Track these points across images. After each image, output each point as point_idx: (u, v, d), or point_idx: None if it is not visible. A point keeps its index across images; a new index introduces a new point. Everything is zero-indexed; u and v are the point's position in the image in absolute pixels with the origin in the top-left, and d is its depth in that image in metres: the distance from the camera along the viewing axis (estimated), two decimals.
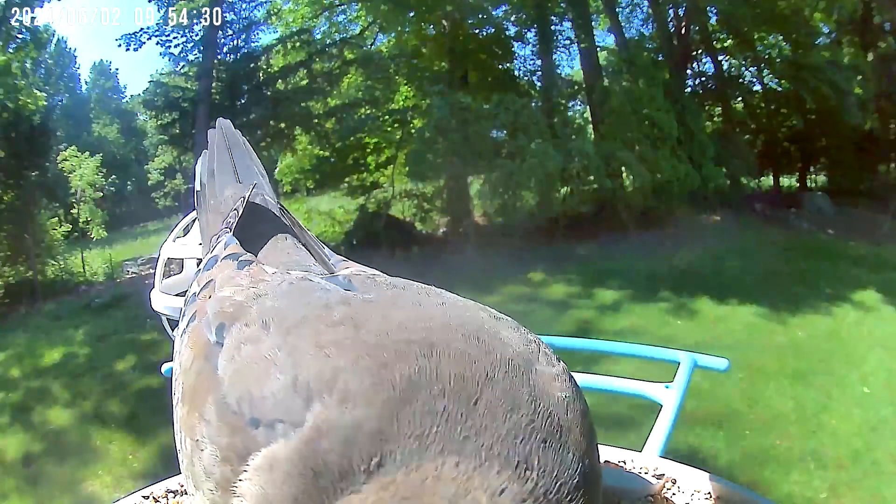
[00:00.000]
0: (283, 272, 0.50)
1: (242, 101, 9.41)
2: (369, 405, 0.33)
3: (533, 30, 9.89)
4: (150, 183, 11.24)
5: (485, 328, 0.40)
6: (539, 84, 10.01)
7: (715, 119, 10.85)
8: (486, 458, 0.32)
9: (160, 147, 11.13)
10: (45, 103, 8.46)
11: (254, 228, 0.61)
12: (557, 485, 0.33)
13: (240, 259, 0.53)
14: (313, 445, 0.33)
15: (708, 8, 9.80)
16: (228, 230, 0.58)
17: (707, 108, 10.77)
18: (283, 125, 9.62)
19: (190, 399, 0.42)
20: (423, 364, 0.35)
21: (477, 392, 0.34)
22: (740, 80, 10.88)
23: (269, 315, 0.41)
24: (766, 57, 10.28)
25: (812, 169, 11.12)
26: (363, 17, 9.70)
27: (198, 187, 0.70)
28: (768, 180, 11.00)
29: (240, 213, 0.59)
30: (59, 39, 9.83)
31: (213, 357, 0.42)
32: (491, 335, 0.39)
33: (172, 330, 0.84)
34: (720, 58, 10.58)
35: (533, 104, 9.20)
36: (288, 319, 0.41)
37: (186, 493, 0.60)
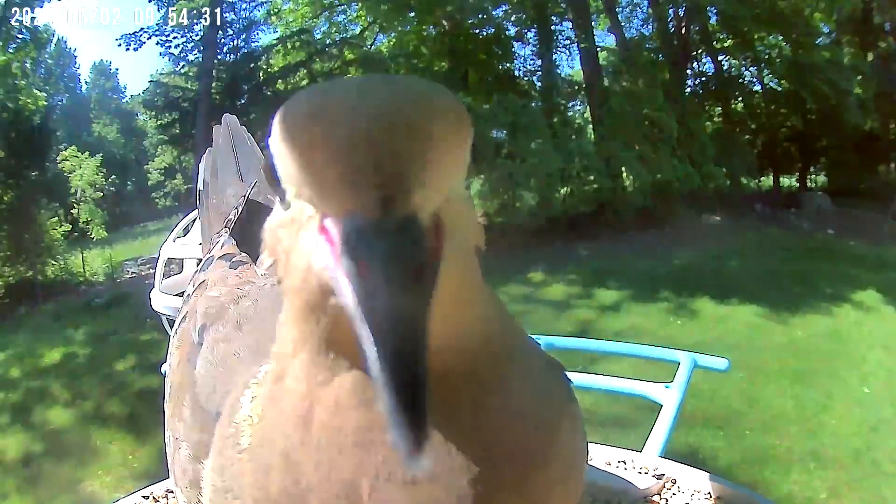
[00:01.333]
0: (272, 275, 0.51)
1: (242, 101, 9.40)
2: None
3: (533, 30, 9.89)
4: (150, 183, 11.25)
5: None
6: (539, 84, 10.01)
7: (715, 119, 10.85)
8: None
9: (160, 147, 11.14)
10: (45, 103, 8.46)
11: (255, 228, 0.60)
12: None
13: (233, 260, 0.54)
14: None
15: (708, 8, 9.79)
16: (227, 230, 0.58)
17: (707, 108, 10.76)
18: None
19: (174, 399, 0.43)
20: None
21: None
22: (740, 80, 10.89)
23: (244, 316, 0.43)
24: (766, 57, 10.28)
25: (812, 169, 11.13)
26: (363, 17, 9.70)
27: (200, 186, 0.69)
28: (768, 180, 11.01)
29: (239, 213, 0.59)
30: (59, 39, 9.85)
31: (193, 357, 0.43)
32: None
33: (172, 330, 0.84)
34: (720, 58, 10.58)
35: (533, 104, 9.20)
36: (260, 320, 0.42)
37: None
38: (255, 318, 0.42)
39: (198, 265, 0.65)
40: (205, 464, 0.37)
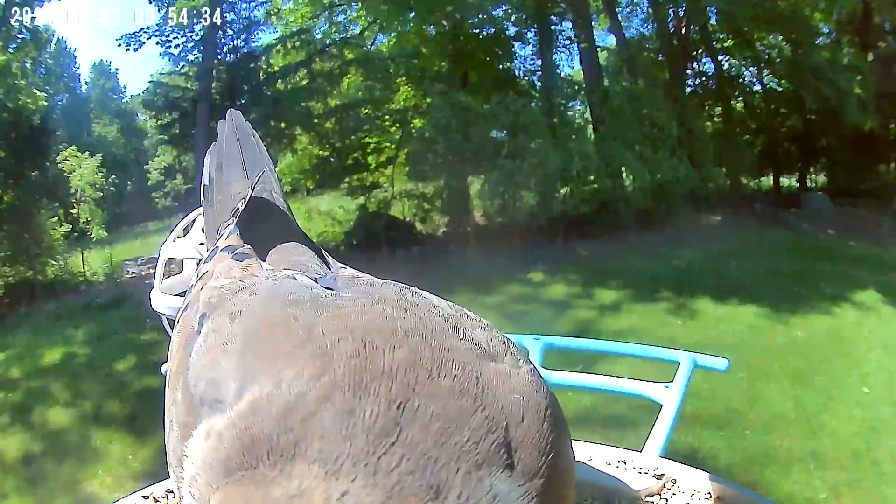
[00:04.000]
0: (277, 270, 0.51)
1: (242, 101, 9.40)
2: (297, 393, 0.35)
3: (533, 30, 9.88)
4: (150, 183, 11.23)
5: (446, 331, 0.40)
6: (539, 84, 10.01)
7: (715, 119, 10.85)
8: (371, 475, 0.31)
9: (160, 147, 11.12)
10: (45, 103, 8.44)
11: (259, 225, 0.60)
12: None
13: (236, 252, 0.54)
14: (243, 421, 0.35)
15: (708, 8, 9.79)
16: (234, 219, 0.59)
17: (707, 108, 10.76)
18: (283, 125, 9.61)
19: (171, 384, 0.44)
20: (362, 364, 0.36)
21: (407, 397, 0.34)
22: (740, 80, 10.88)
23: (239, 306, 0.43)
24: (766, 57, 10.27)
25: (812, 169, 11.12)
26: (363, 17, 9.70)
27: (205, 181, 0.69)
28: (768, 180, 11.00)
29: (243, 208, 0.59)
30: (59, 39, 9.83)
31: (191, 345, 0.44)
32: (450, 338, 0.39)
33: (172, 330, 0.84)
34: (720, 58, 10.58)
35: (533, 104, 9.20)
36: (254, 311, 0.43)
37: None
38: (249, 309, 0.43)
39: (198, 265, 0.65)
40: (188, 444, 0.38)
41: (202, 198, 0.69)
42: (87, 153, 8.56)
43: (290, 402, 0.34)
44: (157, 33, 9.14)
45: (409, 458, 0.32)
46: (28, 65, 8.47)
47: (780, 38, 9.91)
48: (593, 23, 9.84)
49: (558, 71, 10.17)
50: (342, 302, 0.43)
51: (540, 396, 0.39)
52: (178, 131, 10.02)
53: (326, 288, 0.46)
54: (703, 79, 10.77)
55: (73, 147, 8.60)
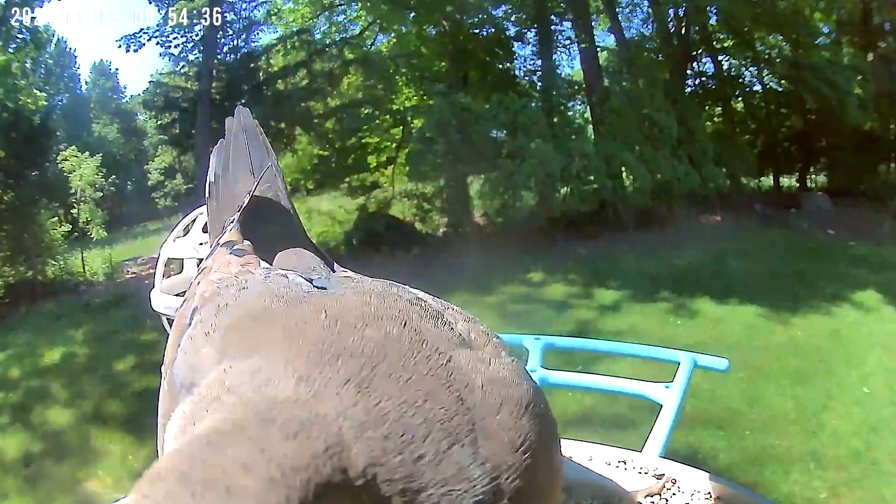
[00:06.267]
0: (274, 269, 0.51)
1: (242, 101, 9.39)
2: (263, 362, 0.35)
3: (533, 30, 9.89)
4: (150, 183, 11.22)
5: (423, 317, 0.40)
6: (539, 84, 10.01)
7: (715, 119, 10.85)
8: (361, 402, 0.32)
9: (160, 147, 11.12)
10: (45, 103, 8.45)
11: (261, 224, 0.60)
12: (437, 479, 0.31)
13: (235, 247, 0.54)
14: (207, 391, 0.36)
15: (708, 8, 9.79)
16: (238, 214, 0.59)
17: (707, 108, 10.76)
18: (283, 125, 9.61)
19: (163, 377, 0.45)
20: (330, 338, 0.36)
21: (373, 367, 0.35)
22: (740, 80, 10.88)
23: (227, 300, 0.44)
24: (766, 57, 10.27)
25: (812, 169, 11.12)
26: (363, 17, 9.70)
27: (211, 178, 0.68)
28: (768, 180, 11.00)
29: (245, 206, 0.59)
30: (59, 39, 9.83)
31: (181, 337, 0.45)
32: (425, 323, 0.40)
33: None
34: (720, 58, 10.58)
35: (533, 104, 9.19)
36: (240, 304, 0.43)
37: None
38: (235, 303, 0.43)
39: (198, 265, 0.65)
40: (167, 429, 0.39)
41: (207, 195, 0.69)
42: (87, 153, 8.56)
43: (255, 370, 0.35)
44: (157, 33, 9.14)
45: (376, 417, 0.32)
46: (28, 65, 8.47)
47: (780, 38, 9.91)
48: (593, 23, 9.84)
49: (558, 71, 10.18)
50: (326, 294, 0.43)
51: (520, 390, 0.38)
52: (178, 131, 10.02)
53: (320, 287, 0.46)
54: (703, 79, 10.77)
55: (73, 147, 8.60)
